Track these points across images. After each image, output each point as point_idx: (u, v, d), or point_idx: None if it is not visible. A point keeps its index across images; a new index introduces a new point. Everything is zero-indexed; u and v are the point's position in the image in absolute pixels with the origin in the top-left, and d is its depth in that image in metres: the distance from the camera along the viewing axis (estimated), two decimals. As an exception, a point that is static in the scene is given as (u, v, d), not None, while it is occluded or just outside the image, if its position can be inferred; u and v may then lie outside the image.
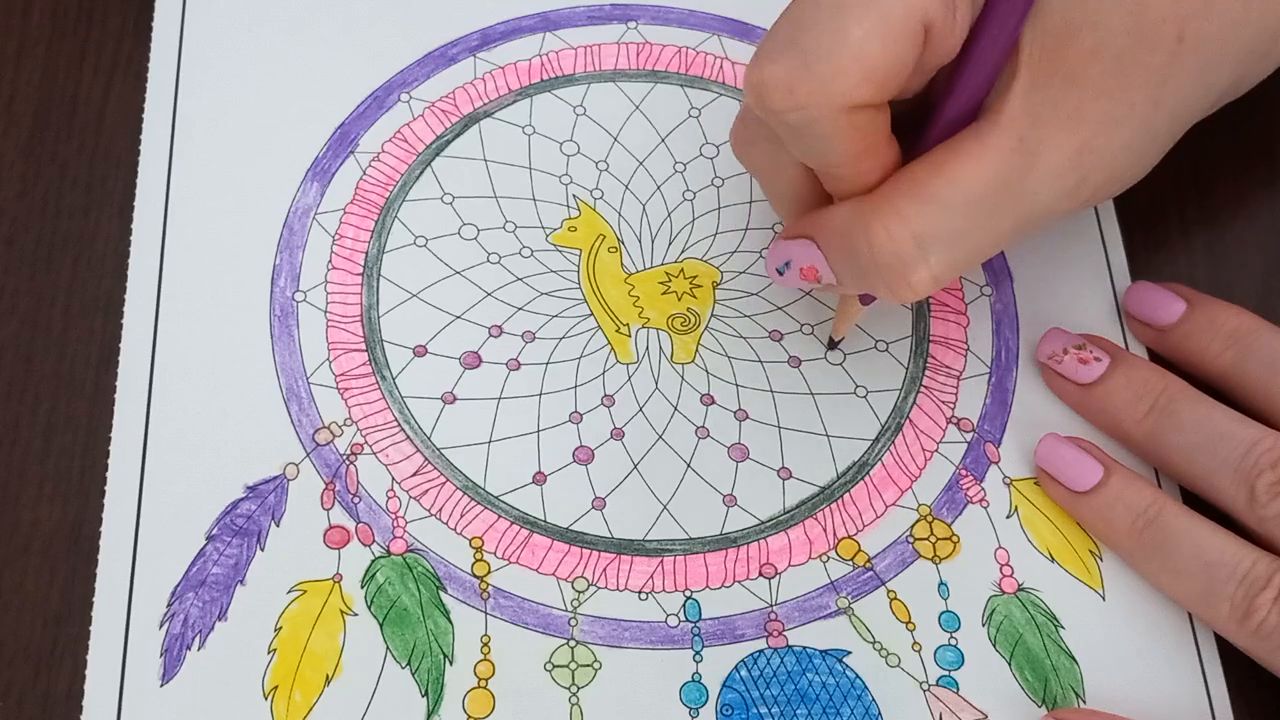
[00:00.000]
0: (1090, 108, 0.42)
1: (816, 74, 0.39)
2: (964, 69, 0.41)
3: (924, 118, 0.43)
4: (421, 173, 0.53)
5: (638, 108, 0.55)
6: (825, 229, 0.44)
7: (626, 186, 0.53)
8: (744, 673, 0.46)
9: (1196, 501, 0.47)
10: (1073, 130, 0.42)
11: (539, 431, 0.49)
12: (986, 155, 0.41)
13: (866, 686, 0.45)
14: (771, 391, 0.50)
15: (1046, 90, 0.42)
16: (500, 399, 0.49)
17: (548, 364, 0.50)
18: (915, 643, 0.46)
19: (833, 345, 0.51)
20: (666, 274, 0.52)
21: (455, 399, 0.49)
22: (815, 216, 0.44)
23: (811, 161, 0.43)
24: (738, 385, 0.50)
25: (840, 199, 0.44)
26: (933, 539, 0.48)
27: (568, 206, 0.53)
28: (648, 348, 0.51)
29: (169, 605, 0.45)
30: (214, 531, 0.46)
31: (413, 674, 0.45)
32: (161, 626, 0.45)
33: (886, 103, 0.41)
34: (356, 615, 0.46)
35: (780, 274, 0.46)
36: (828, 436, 0.49)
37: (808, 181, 0.45)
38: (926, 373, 0.51)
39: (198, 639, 0.45)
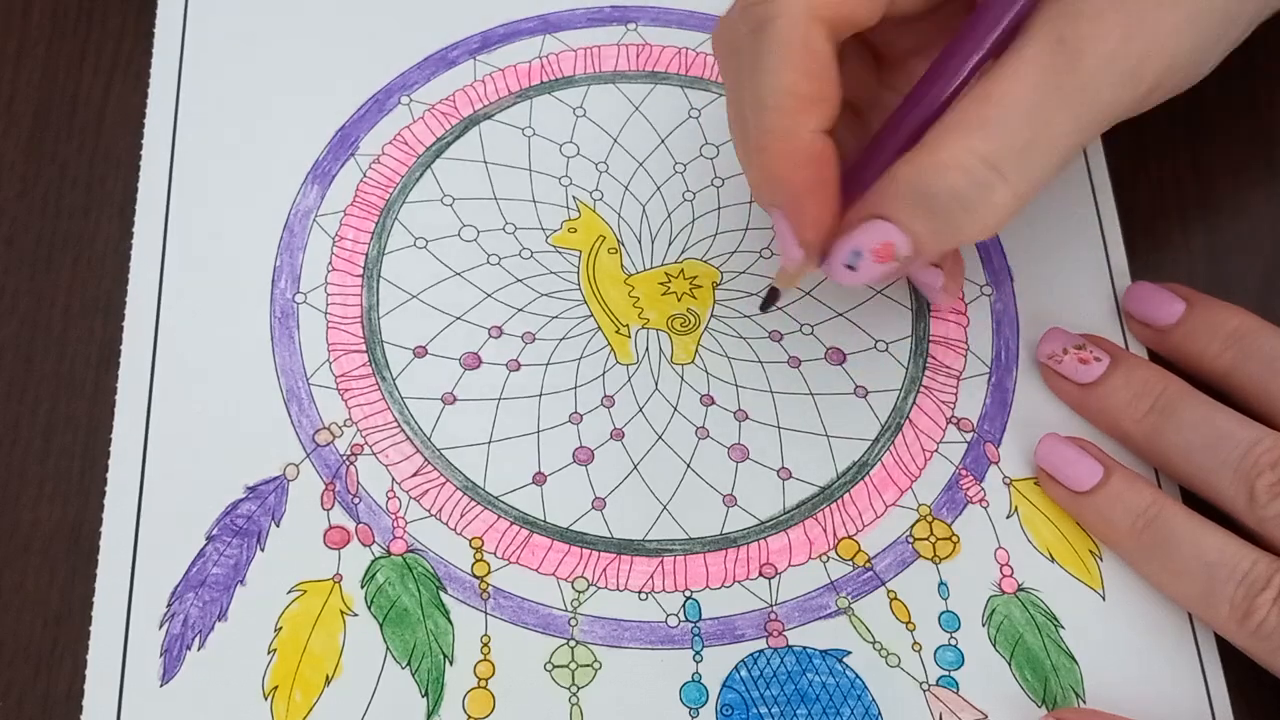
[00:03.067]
0: None
1: None
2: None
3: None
4: (422, 175, 0.53)
5: (637, 109, 0.55)
6: (890, 193, 0.42)
7: (626, 188, 0.53)
8: (744, 673, 0.46)
9: (1196, 501, 0.47)
10: (1115, 17, 0.41)
11: (539, 432, 0.49)
12: (1027, 64, 0.41)
13: (866, 686, 0.45)
14: (771, 392, 0.50)
15: None
16: (500, 400, 0.49)
17: (548, 365, 0.50)
18: (915, 643, 0.46)
19: (771, 301, 0.48)
20: (666, 274, 0.52)
21: (455, 400, 0.49)
22: (874, 191, 0.43)
23: (751, 98, 0.42)
24: (737, 385, 0.50)
25: (775, 191, 0.43)
26: (933, 539, 0.48)
27: (567, 208, 0.53)
28: (647, 348, 0.51)
29: (169, 605, 0.45)
30: (214, 532, 0.46)
31: (413, 674, 0.45)
32: (161, 626, 0.45)
33: (838, 48, 0.42)
34: (356, 615, 0.46)
35: (852, 269, 0.44)
36: (828, 437, 0.49)
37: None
38: (926, 373, 0.51)
39: (198, 639, 0.45)
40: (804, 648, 0.46)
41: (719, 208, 0.53)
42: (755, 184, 0.45)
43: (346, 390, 0.49)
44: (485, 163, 0.54)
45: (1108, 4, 0.41)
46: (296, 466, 0.48)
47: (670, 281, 0.52)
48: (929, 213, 0.42)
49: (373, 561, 0.46)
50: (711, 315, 0.51)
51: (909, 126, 0.43)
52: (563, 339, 0.51)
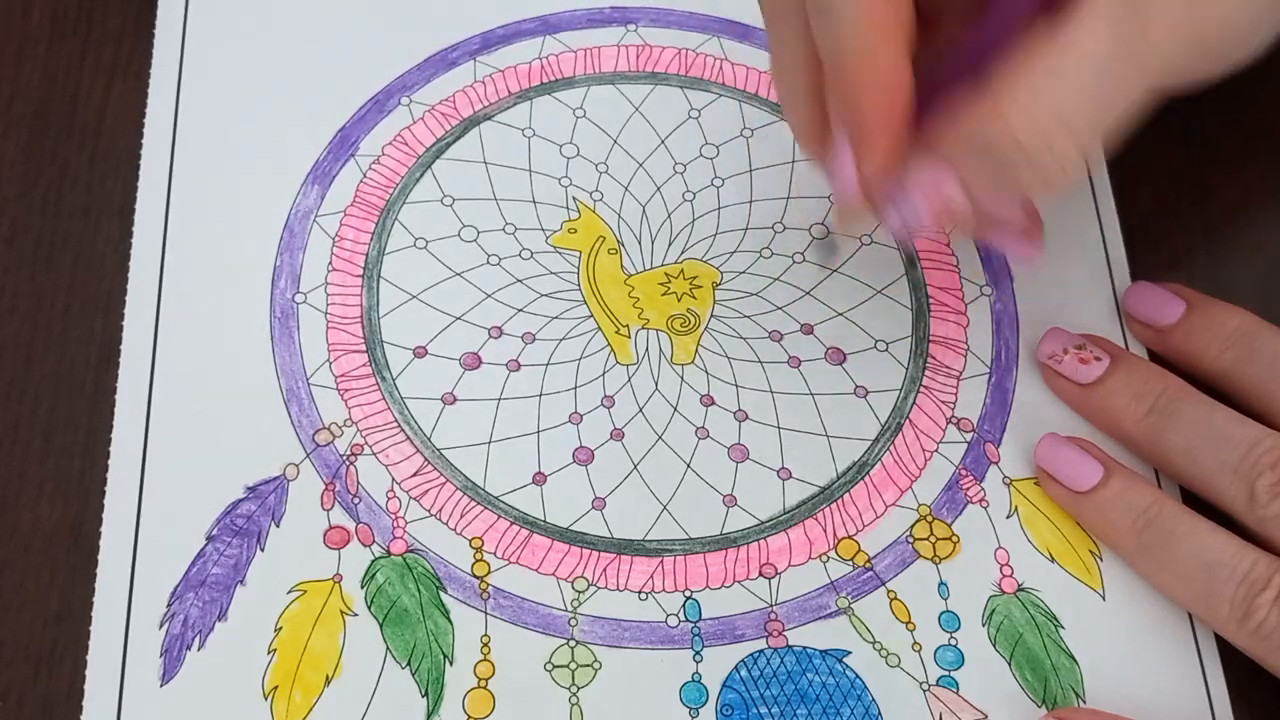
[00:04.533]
0: None
1: None
2: None
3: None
4: (422, 175, 0.53)
5: (637, 109, 0.55)
6: (952, 139, 0.41)
7: (626, 188, 0.53)
8: (744, 673, 0.46)
9: (1196, 501, 0.47)
10: None
11: (539, 432, 0.49)
12: (1099, 18, 0.39)
13: (866, 686, 0.45)
14: (771, 392, 0.50)
15: None
16: (500, 400, 0.49)
17: (548, 365, 0.50)
18: (915, 643, 0.46)
19: (830, 252, 0.48)
20: (666, 275, 0.52)
21: (455, 400, 0.49)
22: (935, 134, 0.42)
23: (828, 35, 0.41)
24: (737, 386, 0.50)
25: (850, 119, 0.42)
26: (933, 539, 0.48)
27: (567, 209, 0.53)
28: (647, 349, 0.51)
29: (169, 605, 0.45)
30: (214, 532, 0.46)
31: (413, 674, 0.45)
32: (161, 627, 0.45)
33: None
34: (356, 615, 0.46)
35: (901, 213, 0.43)
36: (827, 437, 0.49)
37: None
38: (926, 373, 0.51)
39: (198, 639, 0.45)
40: (804, 648, 0.46)
41: (719, 208, 0.53)
42: (804, 124, 0.44)
43: (346, 390, 0.49)
44: (485, 163, 0.54)
45: None
46: (296, 466, 0.48)
47: (670, 282, 0.52)
48: (991, 163, 0.41)
49: (373, 561, 0.46)
50: (711, 315, 0.51)
51: (968, 62, 0.42)
52: (563, 339, 0.51)
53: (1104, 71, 0.39)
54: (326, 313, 0.50)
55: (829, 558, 0.47)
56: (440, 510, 0.47)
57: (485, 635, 0.46)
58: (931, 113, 0.42)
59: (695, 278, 0.52)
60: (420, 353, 0.50)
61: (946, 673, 0.46)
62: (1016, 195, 0.43)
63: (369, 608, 0.46)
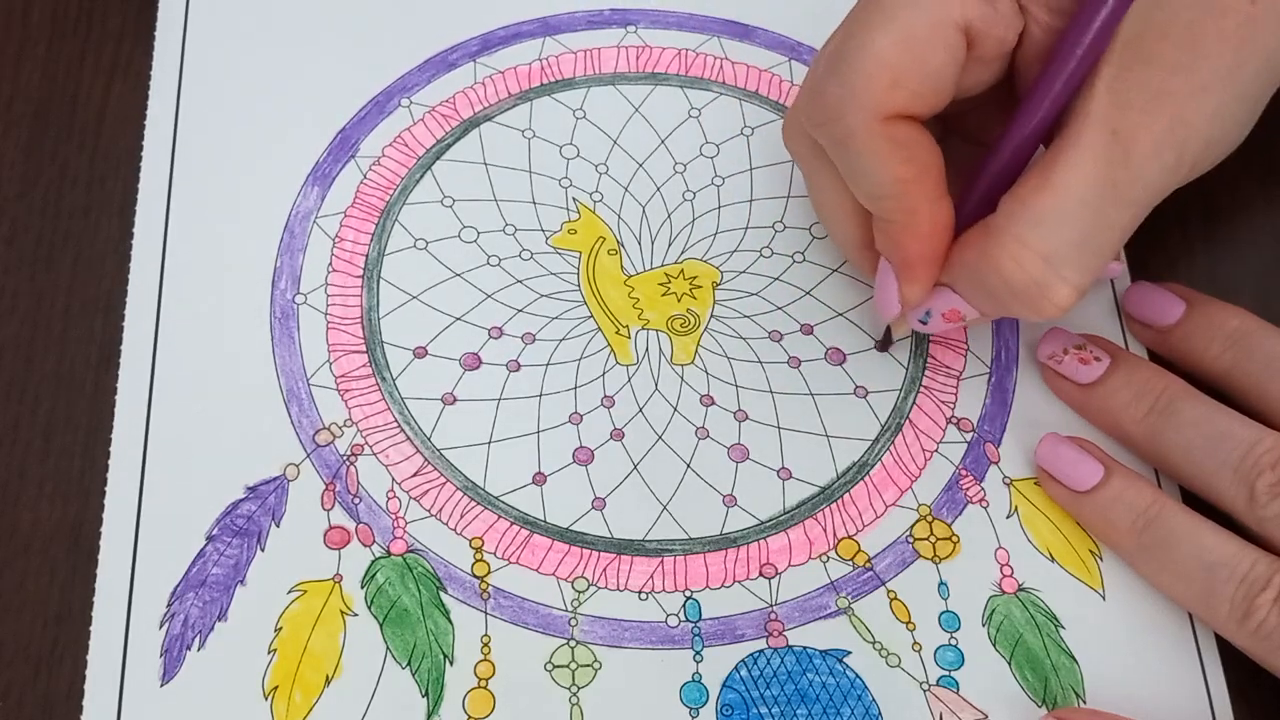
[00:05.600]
0: (1172, 83, 0.42)
1: (846, 81, 0.42)
2: (1049, 73, 0.43)
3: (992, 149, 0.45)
4: (422, 177, 0.53)
5: (637, 110, 0.55)
6: (953, 273, 0.45)
7: (626, 189, 0.53)
8: (744, 673, 0.45)
9: (1196, 501, 0.47)
10: (1160, 109, 0.42)
11: (539, 432, 0.49)
12: (1085, 155, 0.42)
13: (866, 686, 0.45)
14: (771, 392, 0.50)
15: (1127, 77, 0.42)
16: (500, 400, 0.49)
17: (548, 365, 0.50)
18: (915, 643, 0.46)
19: (886, 345, 0.51)
20: (666, 275, 0.52)
21: (455, 400, 0.49)
22: (946, 263, 0.46)
23: (863, 195, 0.44)
24: (737, 386, 0.50)
25: (893, 257, 0.45)
26: (933, 539, 0.48)
27: (567, 209, 0.53)
28: (647, 349, 0.51)
29: (169, 605, 0.45)
30: (214, 532, 0.46)
31: (413, 674, 0.45)
32: (161, 626, 0.45)
33: (926, 122, 0.43)
34: (356, 615, 0.46)
35: (924, 324, 0.47)
36: (827, 437, 0.49)
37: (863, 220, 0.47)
38: (926, 373, 0.51)
39: (198, 639, 0.45)
40: (804, 648, 0.46)
41: (719, 207, 0.53)
42: (851, 249, 0.49)
43: (347, 391, 0.49)
44: (485, 164, 0.54)
45: (1154, 95, 0.42)
46: (297, 466, 0.48)
47: (670, 282, 0.52)
48: (989, 296, 0.44)
49: (373, 562, 0.46)
50: (711, 315, 0.51)
51: (973, 198, 0.45)
52: (563, 340, 0.51)
53: (1092, 207, 0.42)
54: (326, 313, 0.50)
55: (829, 558, 0.47)
56: (440, 510, 0.47)
57: (485, 635, 0.46)
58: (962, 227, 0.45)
59: (695, 277, 0.52)
60: (420, 353, 0.50)
61: (946, 673, 0.46)
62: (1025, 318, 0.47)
63: (369, 608, 0.46)
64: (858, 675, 0.46)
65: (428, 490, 0.48)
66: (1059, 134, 0.43)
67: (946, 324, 0.47)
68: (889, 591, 0.47)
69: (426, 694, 0.45)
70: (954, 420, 0.50)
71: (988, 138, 0.46)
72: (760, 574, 0.47)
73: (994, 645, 0.46)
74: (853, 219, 0.47)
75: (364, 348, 0.50)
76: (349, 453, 0.48)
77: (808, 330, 0.51)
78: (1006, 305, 0.44)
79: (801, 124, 0.46)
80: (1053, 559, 0.48)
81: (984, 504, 0.48)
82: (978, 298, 0.45)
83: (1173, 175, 0.43)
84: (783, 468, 0.49)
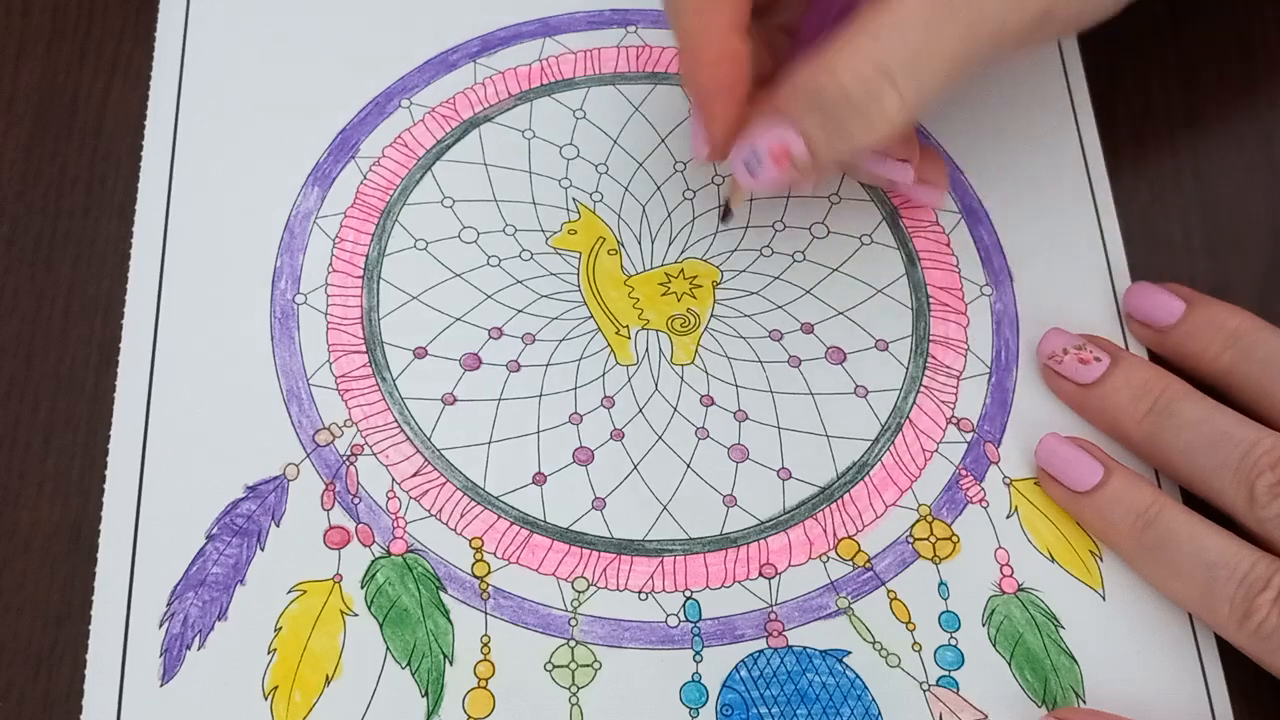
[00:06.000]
0: None
1: None
2: None
3: None
4: (422, 177, 0.53)
5: (637, 109, 0.55)
6: (786, 93, 0.45)
7: (626, 189, 0.53)
8: (744, 673, 0.45)
9: (1196, 502, 0.47)
10: None
11: (539, 432, 0.49)
12: None
13: (866, 686, 0.45)
14: (771, 392, 0.50)
15: None
16: (500, 400, 0.49)
17: (547, 366, 0.50)
18: (915, 643, 0.46)
19: (726, 214, 0.51)
20: (666, 275, 0.52)
21: (455, 400, 0.49)
22: (773, 92, 0.46)
23: (671, 22, 0.46)
24: (737, 386, 0.50)
25: (690, 90, 0.47)
26: (933, 539, 0.48)
27: (567, 210, 0.53)
28: (647, 349, 0.51)
29: (169, 605, 0.45)
30: (214, 531, 0.46)
31: (413, 674, 0.45)
32: (161, 626, 0.45)
33: None
34: (356, 615, 0.46)
35: (750, 171, 0.46)
36: (827, 437, 0.49)
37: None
38: (926, 373, 0.51)
39: (197, 639, 0.45)
40: (804, 648, 0.46)
41: (719, 206, 0.53)
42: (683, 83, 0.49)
43: (347, 391, 0.49)
44: (485, 165, 0.54)
45: None
46: (296, 466, 0.48)
47: (670, 282, 0.52)
48: (821, 113, 0.44)
49: (373, 561, 0.46)
50: (711, 315, 0.51)
51: (809, 36, 0.46)
52: (563, 340, 0.51)
53: (926, 26, 0.43)
54: (327, 313, 0.50)
55: (829, 558, 0.47)
56: (440, 510, 0.47)
57: (485, 635, 0.46)
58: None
59: (695, 277, 0.52)
60: (420, 353, 0.50)
61: (946, 673, 0.46)
62: (849, 145, 0.45)
63: (369, 608, 0.46)
64: (858, 675, 0.46)
65: (428, 490, 0.48)
66: None
67: (776, 171, 0.46)
68: (889, 591, 0.47)
69: (426, 694, 0.45)
70: (954, 420, 0.50)
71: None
72: (760, 574, 0.47)
73: (994, 645, 0.46)
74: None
75: (364, 348, 0.50)
76: (349, 453, 0.48)
77: (808, 329, 0.51)
78: (837, 119, 0.44)
79: None
80: (1053, 559, 0.48)
81: (984, 504, 0.48)
82: (808, 115, 0.44)
83: (1018, 12, 0.44)
84: (783, 468, 0.49)
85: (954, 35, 0.43)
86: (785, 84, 0.45)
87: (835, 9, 0.46)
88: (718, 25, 0.44)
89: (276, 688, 0.44)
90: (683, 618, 0.46)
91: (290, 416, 0.48)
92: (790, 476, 0.49)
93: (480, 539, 0.47)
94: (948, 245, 0.53)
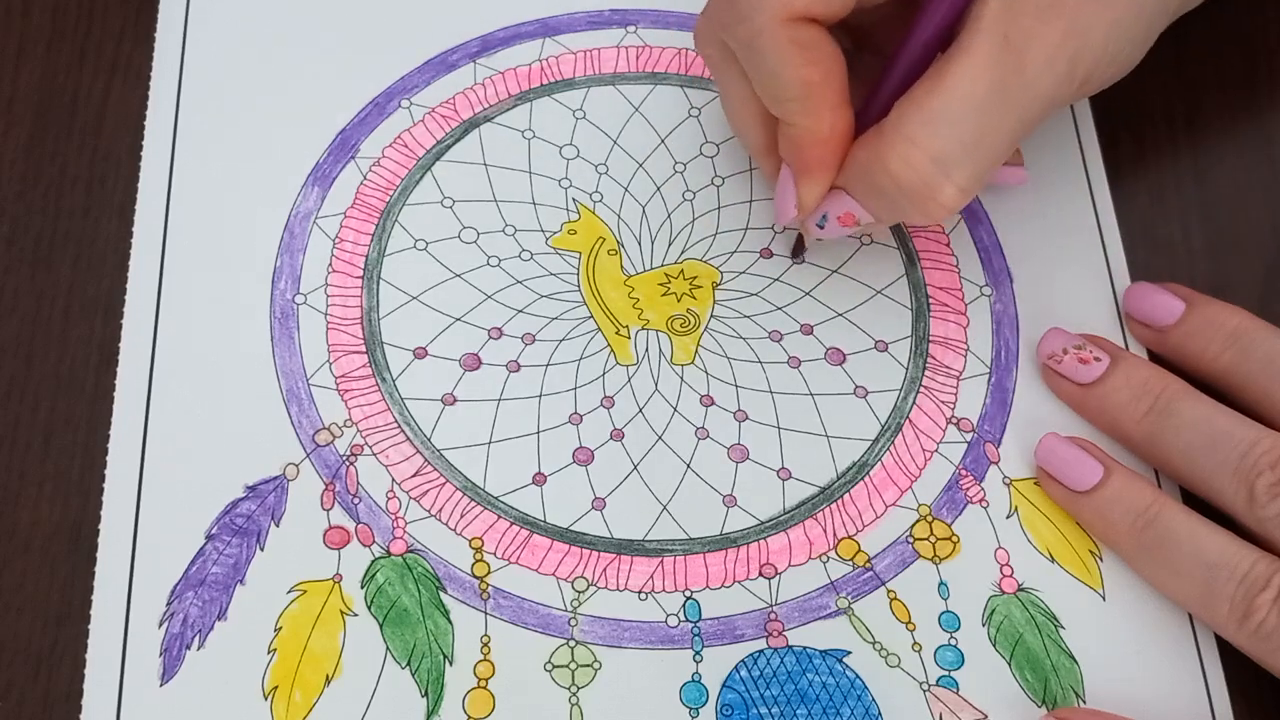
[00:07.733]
0: None
1: None
2: None
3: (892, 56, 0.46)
4: (422, 177, 0.53)
5: (637, 109, 0.55)
6: (847, 174, 0.46)
7: (626, 189, 0.53)
8: (744, 673, 0.45)
9: (1196, 501, 0.47)
10: (1054, 16, 0.43)
11: (539, 433, 0.49)
12: (977, 60, 0.43)
13: (866, 686, 0.45)
14: (771, 392, 0.50)
15: None
16: (500, 400, 0.49)
17: (547, 366, 0.50)
18: (915, 643, 0.46)
19: (799, 249, 0.52)
20: (666, 275, 0.52)
21: (455, 400, 0.49)
22: (842, 167, 0.46)
23: (769, 98, 0.45)
24: (737, 386, 0.50)
25: (793, 160, 0.47)
26: (933, 539, 0.48)
27: (567, 210, 0.53)
28: (647, 349, 0.51)
29: (168, 605, 0.45)
30: (214, 531, 0.46)
31: (413, 674, 0.45)
32: (161, 626, 0.45)
33: (837, 35, 0.45)
34: (356, 615, 0.46)
35: (821, 228, 0.48)
36: (827, 437, 0.49)
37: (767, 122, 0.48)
38: (926, 373, 0.51)
39: (197, 639, 0.45)
40: (804, 648, 0.46)
41: (719, 207, 0.53)
42: (762, 164, 0.50)
43: (346, 391, 0.49)
44: (485, 165, 0.54)
45: (1048, 4, 0.43)
46: (296, 466, 0.48)
47: (670, 282, 0.52)
48: (880, 197, 0.45)
49: (373, 562, 0.46)
50: (711, 315, 0.51)
51: (875, 105, 0.46)
52: (562, 340, 0.51)
53: (981, 112, 0.43)
54: (326, 314, 0.50)
55: (829, 558, 0.47)
56: (440, 510, 0.47)
57: (485, 635, 0.46)
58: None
59: (695, 278, 0.52)
60: (420, 354, 0.50)
61: (946, 673, 0.46)
62: (913, 222, 0.48)
63: (369, 608, 0.46)
64: (858, 675, 0.46)
65: (427, 490, 0.48)
66: (955, 41, 0.44)
67: (842, 229, 0.48)
68: (889, 591, 0.47)
69: (426, 694, 0.45)
70: (954, 420, 0.50)
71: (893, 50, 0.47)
72: (760, 574, 0.47)
73: (994, 645, 0.46)
74: (760, 124, 0.48)
75: (364, 348, 0.50)
76: (349, 453, 0.48)
77: (808, 330, 0.51)
78: (896, 205, 0.45)
79: (713, 28, 0.47)
80: (1053, 559, 0.48)
81: (984, 504, 0.48)
82: (869, 198, 0.46)
83: (1065, 85, 0.45)
84: (782, 468, 0.49)
85: (1010, 118, 0.44)
86: (850, 162, 0.46)
87: (912, 63, 0.46)
88: (827, 101, 0.45)
89: (276, 688, 0.44)
90: (683, 618, 0.46)
91: (290, 416, 0.48)
92: (790, 477, 0.49)
93: (480, 539, 0.47)
94: (947, 245, 0.53)
